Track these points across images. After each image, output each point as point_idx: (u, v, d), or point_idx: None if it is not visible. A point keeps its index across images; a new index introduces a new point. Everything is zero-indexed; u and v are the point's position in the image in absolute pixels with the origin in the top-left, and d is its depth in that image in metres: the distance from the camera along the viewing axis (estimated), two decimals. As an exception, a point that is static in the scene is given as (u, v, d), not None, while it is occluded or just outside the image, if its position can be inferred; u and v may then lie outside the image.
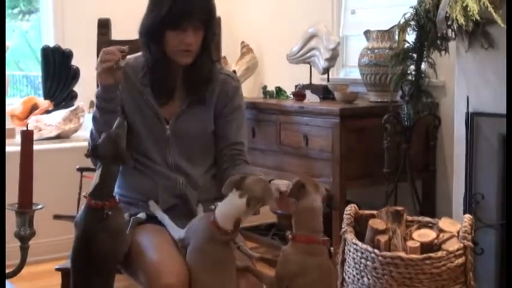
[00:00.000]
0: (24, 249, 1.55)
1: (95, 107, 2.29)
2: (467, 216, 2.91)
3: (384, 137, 3.45)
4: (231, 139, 2.35)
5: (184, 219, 2.28)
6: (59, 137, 4.31)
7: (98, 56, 3.01)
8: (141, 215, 2.24)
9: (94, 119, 2.28)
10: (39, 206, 1.53)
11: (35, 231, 1.56)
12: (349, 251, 2.93)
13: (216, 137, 2.38)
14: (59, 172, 4.02)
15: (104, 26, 3.05)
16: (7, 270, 1.59)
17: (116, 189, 2.40)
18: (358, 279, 2.87)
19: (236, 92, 2.40)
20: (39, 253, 3.82)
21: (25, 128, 1.69)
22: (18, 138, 3.51)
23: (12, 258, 1.96)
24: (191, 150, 2.32)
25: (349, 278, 2.94)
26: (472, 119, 3.12)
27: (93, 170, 2.15)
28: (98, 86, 2.54)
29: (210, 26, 2.27)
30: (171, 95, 2.33)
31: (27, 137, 1.42)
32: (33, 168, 1.41)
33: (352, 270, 2.91)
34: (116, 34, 3.04)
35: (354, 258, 2.90)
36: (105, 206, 2.02)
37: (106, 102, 2.24)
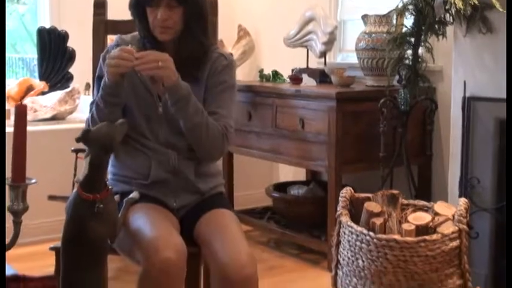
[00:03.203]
0: (17, 224, 1.55)
1: (99, 96, 2.27)
2: (463, 199, 2.91)
3: (380, 121, 3.45)
4: (210, 108, 2.34)
5: (174, 194, 2.30)
6: (54, 119, 4.30)
7: (93, 38, 3.01)
8: (134, 195, 2.23)
9: (97, 106, 2.28)
10: (33, 181, 1.52)
11: (28, 205, 1.55)
12: (344, 233, 2.94)
13: None
14: (54, 153, 4.01)
15: (100, 6, 3.03)
16: None
17: (110, 168, 2.41)
18: (353, 261, 2.88)
19: (225, 69, 2.39)
20: (34, 234, 3.83)
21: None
22: (13, 120, 3.49)
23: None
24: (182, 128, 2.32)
25: (343, 260, 2.94)
26: (469, 104, 3.12)
27: (88, 152, 2.13)
28: (93, 68, 2.54)
29: (189, 4, 2.28)
30: None
31: (21, 111, 1.41)
32: (26, 143, 1.40)
33: (347, 253, 2.91)
34: (112, 14, 3.02)
35: (348, 241, 2.90)
36: (96, 198, 1.99)
37: (111, 97, 2.24)
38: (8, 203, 1.53)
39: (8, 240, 1.63)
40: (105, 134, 2.01)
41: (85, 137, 2.01)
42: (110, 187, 2.05)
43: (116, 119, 2.16)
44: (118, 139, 2.05)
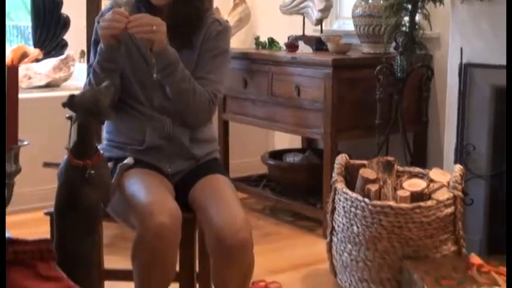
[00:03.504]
0: (9, 186, 1.54)
1: (96, 61, 2.25)
2: (458, 166, 2.92)
3: (377, 88, 3.44)
4: (201, 73, 2.32)
5: (169, 160, 2.29)
6: (48, 86, 4.28)
7: (87, 4, 2.97)
8: (129, 160, 2.22)
9: (94, 71, 2.26)
10: (25, 143, 1.51)
11: (21, 167, 1.55)
12: (339, 200, 2.94)
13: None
14: (49, 121, 3.99)
15: (94, -29, 2.99)
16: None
17: (105, 135, 2.40)
18: (348, 227, 2.89)
19: (219, 34, 2.37)
20: (28, 201, 3.83)
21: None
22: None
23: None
24: None
25: (338, 226, 2.95)
26: (466, 70, 3.11)
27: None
28: (87, 35, 2.52)
29: None
30: None
31: (13, 72, 1.40)
32: (18, 104, 1.40)
33: (342, 219, 2.92)
34: (107, -21, 2.99)
35: (343, 207, 2.91)
36: (87, 165, 1.98)
37: (107, 62, 2.22)
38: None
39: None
40: (90, 97, 2.00)
41: (70, 102, 1.99)
42: (101, 152, 2.04)
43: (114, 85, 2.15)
44: (105, 102, 2.02)
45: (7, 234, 1.48)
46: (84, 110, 1.97)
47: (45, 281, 1.46)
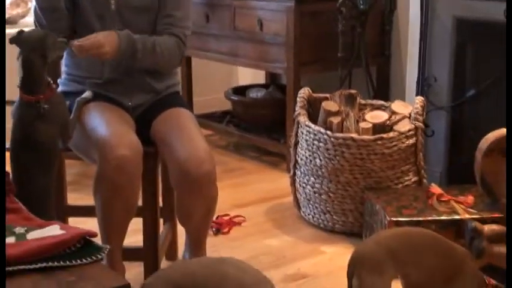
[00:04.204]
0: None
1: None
2: (419, 98, 2.94)
3: (339, 21, 3.41)
4: (165, 11, 2.29)
5: (129, 93, 2.28)
6: (6, 23, 4.16)
7: None
8: (86, 94, 2.19)
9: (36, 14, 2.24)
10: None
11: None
12: (302, 133, 2.95)
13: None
14: (7, 58, 3.90)
15: None
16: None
17: (64, 68, 2.36)
18: (311, 160, 2.91)
19: None
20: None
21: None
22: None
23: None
24: (135, 26, 2.27)
25: (301, 160, 2.97)
26: (427, 2, 3.10)
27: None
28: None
29: None
30: None
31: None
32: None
33: (305, 152, 2.94)
34: None
35: (306, 141, 2.92)
36: (40, 99, 1.94)
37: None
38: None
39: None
40: (36, 35, 1.97)
41: (17, 38, 1.96)
42: (53, 86, 2.00)
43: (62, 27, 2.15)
44: (53, 53, 1.99)
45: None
46: (28, 46, 1.94)
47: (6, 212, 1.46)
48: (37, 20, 2.25)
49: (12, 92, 3.21)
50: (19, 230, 1.40)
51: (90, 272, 1.30)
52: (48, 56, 1.96)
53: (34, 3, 2.28)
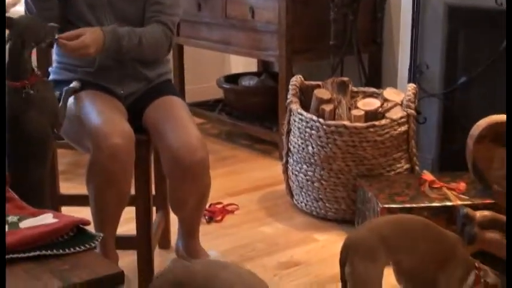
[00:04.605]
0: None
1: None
2: (411, 85, 2.94)
3: (331, 8, 3.41)
4: None
5: (121, 81, 2.27)
6: (-4, 11, 4.15)
7: None
8: (74, 84, 2.17)
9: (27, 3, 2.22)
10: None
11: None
12: (295, 121, 2.96)
13: None
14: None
15: None
16: None
17: (55, 57, 2.35)
18: (303, 148, 2.91)
19: None
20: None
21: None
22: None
23: None
24: (127, 14, 2.26)
25: (294, 147, 2.97)
26: (419, -11, 3.10)
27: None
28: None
29: None
30: None
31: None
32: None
33: (297, 140, 2.94)
34: None
35: (299, 128, 2.92)
36: (24, 85, 1.93)
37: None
38: None
39: None
40: (26, 26, 1.95)
41: (8, 22, 1.95)
42: (38, 73, 1.99)
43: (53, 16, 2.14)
44: (42, 38, 1.98)
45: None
46: (16, 31, 1.93)
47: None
48: (28, 9, 2.24)
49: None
50: (12, 218, 1.40)
51: (83, 260, 1.30)
52: (37, 42, 1.95)
53: None
